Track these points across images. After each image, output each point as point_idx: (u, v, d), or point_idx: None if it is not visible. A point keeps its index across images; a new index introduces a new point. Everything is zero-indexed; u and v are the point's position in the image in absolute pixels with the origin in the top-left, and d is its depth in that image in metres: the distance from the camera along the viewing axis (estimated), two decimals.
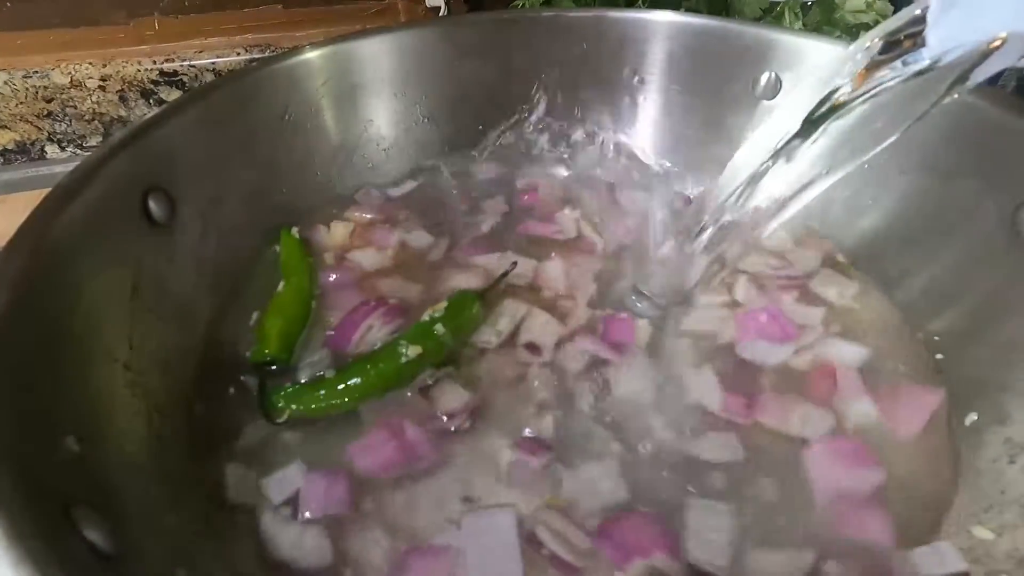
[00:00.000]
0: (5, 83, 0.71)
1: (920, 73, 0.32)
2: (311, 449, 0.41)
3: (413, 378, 0.44)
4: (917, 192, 0.50)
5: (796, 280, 0.53)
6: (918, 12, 0.31)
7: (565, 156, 0.67)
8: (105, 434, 0.34)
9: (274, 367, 0.45)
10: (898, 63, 0.32)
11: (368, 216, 0.59)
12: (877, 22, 0.71)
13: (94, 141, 0.78)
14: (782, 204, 0.40)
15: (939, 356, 0.46)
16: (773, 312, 0.49)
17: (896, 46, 0.32)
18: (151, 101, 0.77)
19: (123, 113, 0.76)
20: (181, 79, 0.76)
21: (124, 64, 0.74)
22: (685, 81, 0.63)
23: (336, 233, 0.57)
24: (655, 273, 0.50)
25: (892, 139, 0.35)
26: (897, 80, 0.32)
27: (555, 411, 0.43)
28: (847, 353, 0.47)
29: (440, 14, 0.84)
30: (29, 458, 0.27)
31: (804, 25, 0.72)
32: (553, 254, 0.54)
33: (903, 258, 0.51)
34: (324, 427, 0.42)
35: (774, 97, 0.59)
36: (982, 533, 0.36)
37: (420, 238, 0.57)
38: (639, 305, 0.50)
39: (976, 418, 0.41)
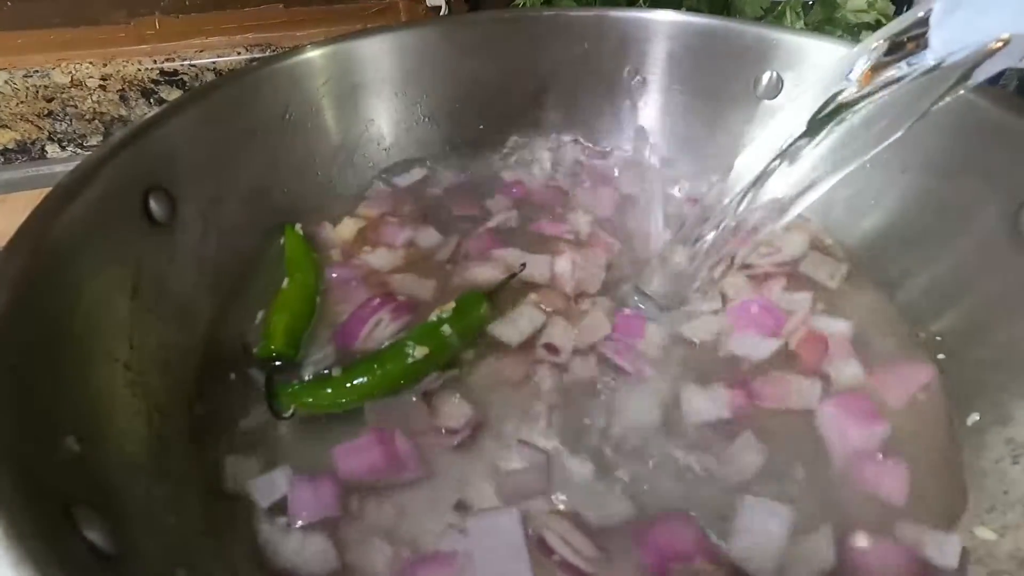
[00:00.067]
0: (5, 82, 0.71)
1: (924, 74, 0.32)
2: (307, 447, 0.41)
3: (419, 379, 0.44)
4: (919, 192, 0.50)
5: (785, 266, 0.54)
6: (921, 14, 0.32)
7: (566, 155, 0.67)
8: (105, 434, 0.34)
9: (279, 363, 0.45)
10: (903, 64, 0.32)
11: (376, 212, 0.59)
12: (878, 21, 0.71)
13: (95, 140, 0.78)
14: (786, 204, 0.40)
15: (940, 356, 0.46)
16: (763, 303, 0.50)
17: (900, 48, 0.32)
18: (152, 100, 0.77)
19: (124, 112, 0.76)
20: (182, 78, 0.76)
21: (125, 63, 0.74)
22: (686, 81, 0.63)
23: (344, 230, 0.57)
24: (658, 274, 0.50)
25: (894, 137, 0.35)
26: (902, 81, 0.32)
27: (561, 419, 0.43)
28: (836, 327, 0.48)
29: (441, 13, 0.84)
30: (29, 458, 0.27)
31: (805, 24, 0.72)
32: (558, 254, 0.54)
33: (904, 258, 0.51)
34: (324, 424, 0.42)
35: (775, 97, 0.59)
36: (985, 534, 0.36)
37: (428, 236, 0.57)
38: (642, 306, 0.50)
39: (978, 418, 0.41)
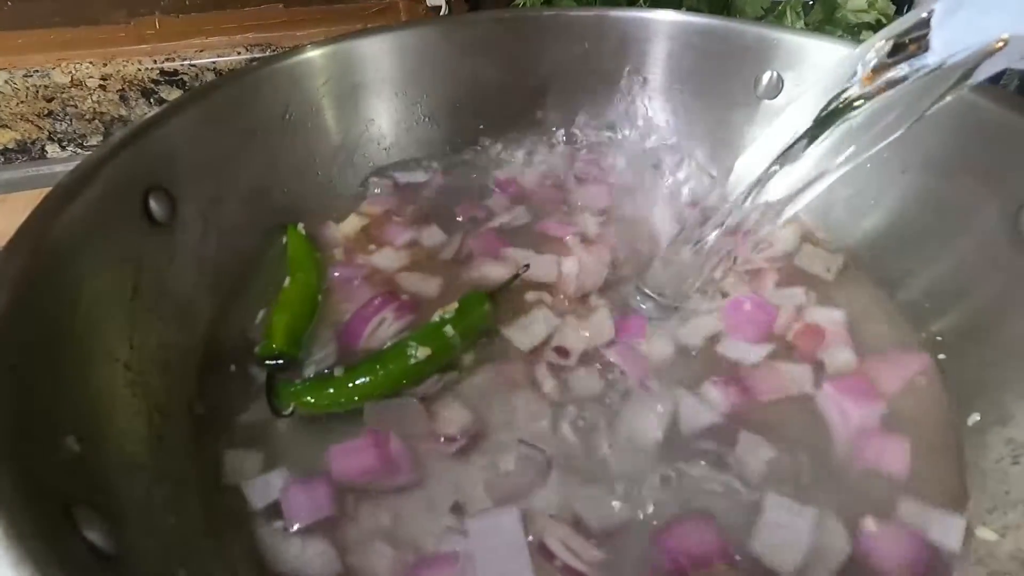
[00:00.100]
0: (6, 82, 0.71)
1: (925, 74, 0.32)
2: (306, 445, 0.41)
3: (421, 380, 0.44)
4: (919, 192, 0.50)
5: (778, 261, 0.54)
6: (923, 16, 0.32)
7: (567, 155, 0.67)
8: (105, 434, 0.34)
9: (281, 361, 0.45)
10: (904, 65, 0.32)
11: (379, 209, 0.59)
12: (879, 21, 0.71)
13: (95, 140, 0.78)
14: (787, 203, 0.40)
15: (941, 356, 0.46)
16: (756, 300, 0.50)
17: (902, 49, 0.32)
18: (152, 100, 0.77)
19: (124, 112, 0.76)
20: (182, 78, 0.76)
21: (125, 63, 0.74)
22: (686, 80, 0.63)
23: (347, 227, 0.57)
24: (659, 274, 0.50)
25: (894, 136, 0.35)
26: (904, 81, 0.33)
27: (562, 422, 0.42)
28: (832, 316, 0.49)
29: (441, 13, 0.84)
30: (29, 458, 0.27)
31: (806, 24, 0.72)
32: (563, 254, 0.54)
33: (905, 258, 0.51)
34: (323, 423, 0.42)
35: (776, 96, 0.59)
36: (986, 534, 0.36)
37: (432, 235, 0.57)
38: (643, 306, 0.50)
39: (978, 419, 0.41)
